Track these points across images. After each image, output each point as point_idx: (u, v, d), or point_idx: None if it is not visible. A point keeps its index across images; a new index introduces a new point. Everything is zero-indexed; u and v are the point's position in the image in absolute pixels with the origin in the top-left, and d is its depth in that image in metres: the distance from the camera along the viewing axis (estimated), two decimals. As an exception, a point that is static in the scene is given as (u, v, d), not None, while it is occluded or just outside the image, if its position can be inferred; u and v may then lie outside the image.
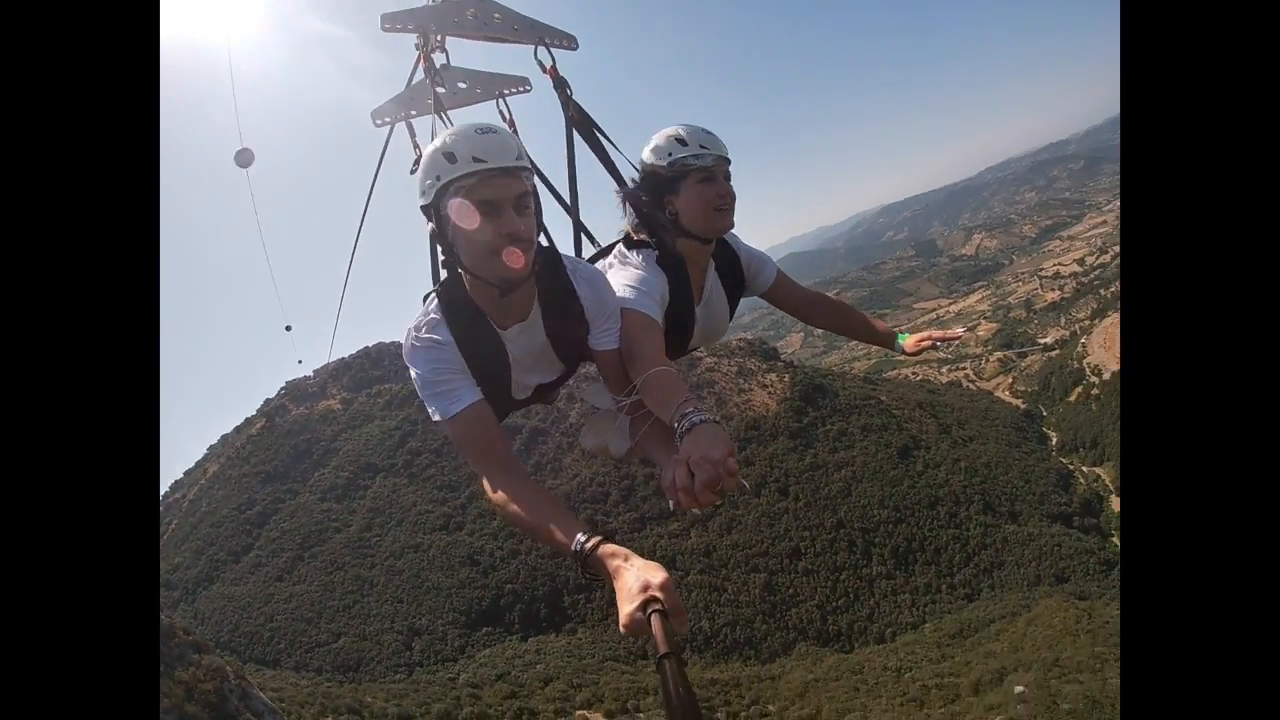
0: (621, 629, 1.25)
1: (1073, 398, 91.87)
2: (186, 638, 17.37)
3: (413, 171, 2.70)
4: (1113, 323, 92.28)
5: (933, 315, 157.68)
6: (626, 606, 1.24)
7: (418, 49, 2.96)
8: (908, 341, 2.57)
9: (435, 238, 1.77)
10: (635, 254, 2.18)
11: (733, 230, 2.36)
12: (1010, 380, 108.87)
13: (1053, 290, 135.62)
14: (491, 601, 54.76)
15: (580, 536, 1.41)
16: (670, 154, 2.17)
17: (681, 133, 2.18)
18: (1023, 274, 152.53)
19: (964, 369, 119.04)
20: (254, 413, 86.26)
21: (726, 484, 1.33)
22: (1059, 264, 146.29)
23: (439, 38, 2.92)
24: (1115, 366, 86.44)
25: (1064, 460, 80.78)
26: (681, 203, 2.19)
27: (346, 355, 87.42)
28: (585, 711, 33.58)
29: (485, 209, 1.62)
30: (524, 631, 52.71)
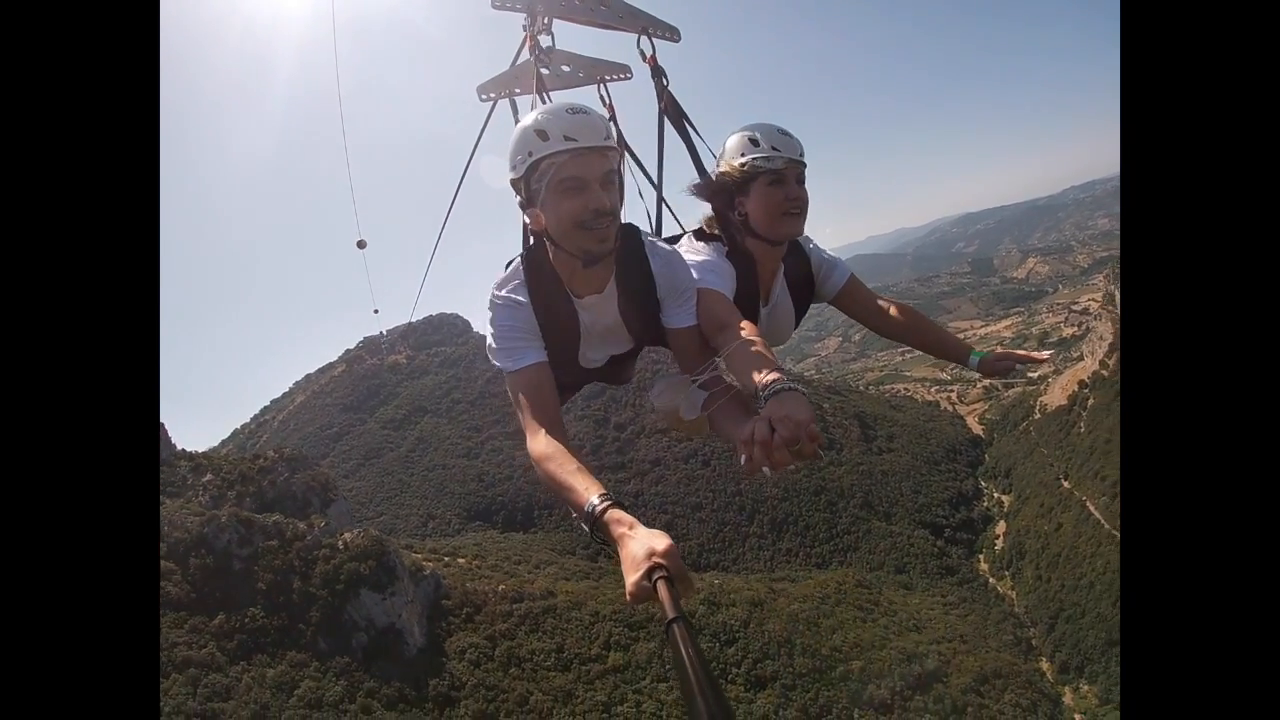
0: (628, 597, 1.32)
1: (1018, 430, 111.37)
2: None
3: None
4: (1082, 367, 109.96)
5: (960, 336, 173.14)
6: (632, 575, 1.31)
7: (524, 30, 3.17)
8: (984, 361, 2.57)
9: (524, 208, 1.95)
10: (706, 245, 2.37)
11: (806, 234, 2.49)
12: (985, 408, 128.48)
13: (1072, 326, 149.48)
14: (485, 506, 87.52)
15: (593, 499, 1.53)
16: (743, 154, 2.34)
17: (755, 134, 2.34)
18: (1058, 305, 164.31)
19: (951, 391, 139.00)
20: (335, 358, 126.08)
21: (805, 447, 1.44)
22: (1093, 299, 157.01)
23: (546, 20, 3.13)
24: (1057, 404, 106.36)
25: (983, 484, 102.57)
26: (751, 204, 2.34)
27: (414, 320, 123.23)
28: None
29: (574, 184, 1.84)
30: (503, 527, 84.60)
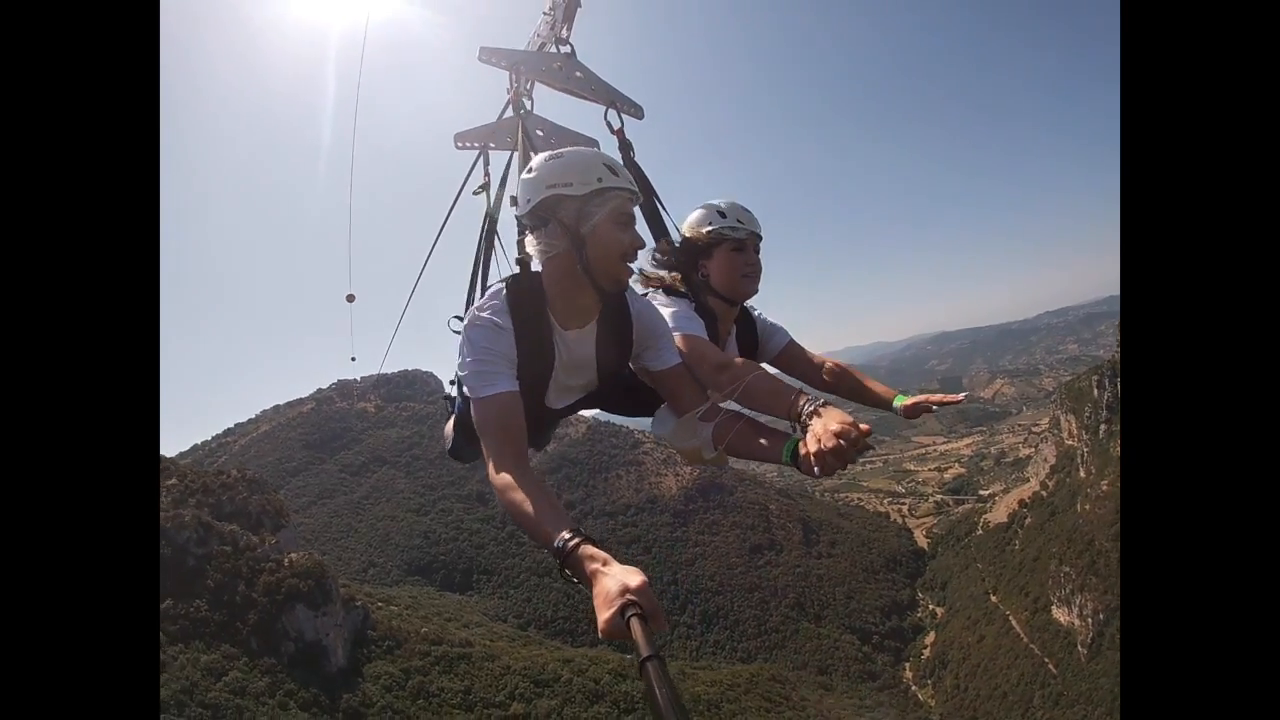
0: (600, 634, 1.35)
1: (960, 545, 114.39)
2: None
3: (476, 192, 3.39)
4: (1026, 488, 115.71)
5: (921, 452, 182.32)
6: (605, 612, 1.32)
7: (508, 92, 3.51)
8: (904, 404, 2.79)
9: (566, 229, 2.04)
10: (675, 299, 2.65)
11: (754, 301, 2.93)
12: (934, 523, 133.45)
13: (1029, 447, 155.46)
14: (427, 562, 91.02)
15: (565, 534, 1.53)
16: (710, 223, 2.74)
17: (722, 206, 2.77)
18: (1019, 426, 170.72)
19: (904, 504, 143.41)
20: (306, 395, 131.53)
21: (862, 442, 1.65)
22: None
23: (529, 84, 3.47)
24: (998, 521, 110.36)
25: (920, 595, 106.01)
26: (714, 266, 2.76)
27: (389, 372, 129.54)
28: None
29: (629, 220, 2.09)
30: (440, 586, 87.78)
